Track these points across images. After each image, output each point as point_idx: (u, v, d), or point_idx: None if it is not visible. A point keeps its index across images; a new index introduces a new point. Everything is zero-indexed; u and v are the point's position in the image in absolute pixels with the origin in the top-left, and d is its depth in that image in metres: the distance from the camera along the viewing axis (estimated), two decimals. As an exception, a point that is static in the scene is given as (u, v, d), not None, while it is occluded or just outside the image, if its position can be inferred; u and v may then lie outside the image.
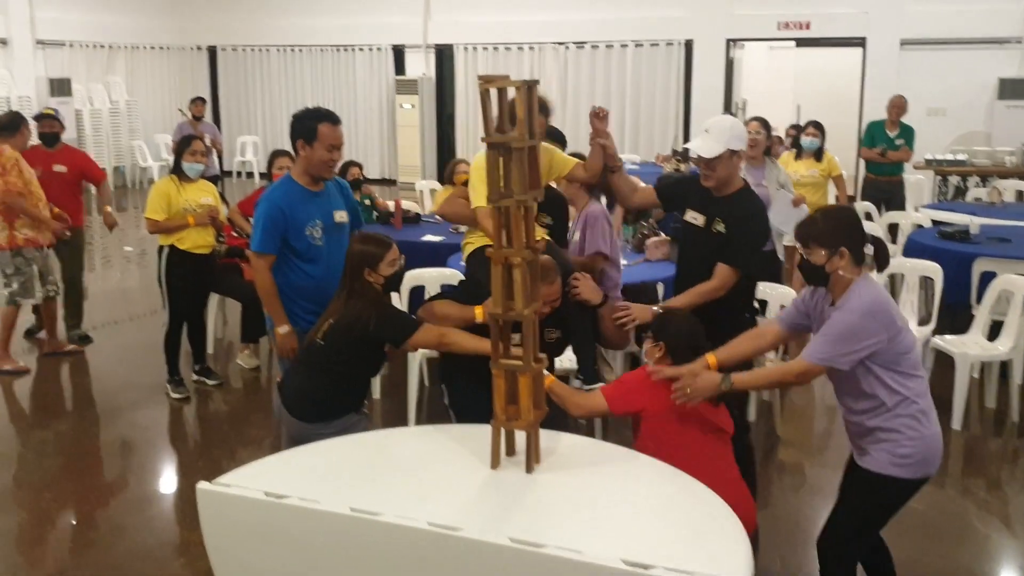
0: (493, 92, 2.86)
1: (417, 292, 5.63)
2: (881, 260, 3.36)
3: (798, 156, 8.30)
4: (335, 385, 3.74)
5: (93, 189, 7.71)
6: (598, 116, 4.06)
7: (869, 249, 3.26)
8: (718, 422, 3.44)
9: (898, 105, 9.89)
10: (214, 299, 6.96)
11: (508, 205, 2.89)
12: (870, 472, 3.22)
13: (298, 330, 4.16)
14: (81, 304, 7.48)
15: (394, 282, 3.82)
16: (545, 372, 3.31)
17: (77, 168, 7.42)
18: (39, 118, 7.43)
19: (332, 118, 4.17)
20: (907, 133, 9.81)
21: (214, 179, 10.52)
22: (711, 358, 3.37)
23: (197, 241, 6.10)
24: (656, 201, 4.35)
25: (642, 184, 4.49)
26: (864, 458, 3.25)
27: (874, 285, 3.15)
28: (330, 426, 3.69)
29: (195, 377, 6.48)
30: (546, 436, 3.10)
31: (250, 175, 17.81)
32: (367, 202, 7.62)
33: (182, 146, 6.17)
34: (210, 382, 6.45)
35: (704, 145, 3.95)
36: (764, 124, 6.62)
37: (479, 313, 3.57)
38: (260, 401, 6.24)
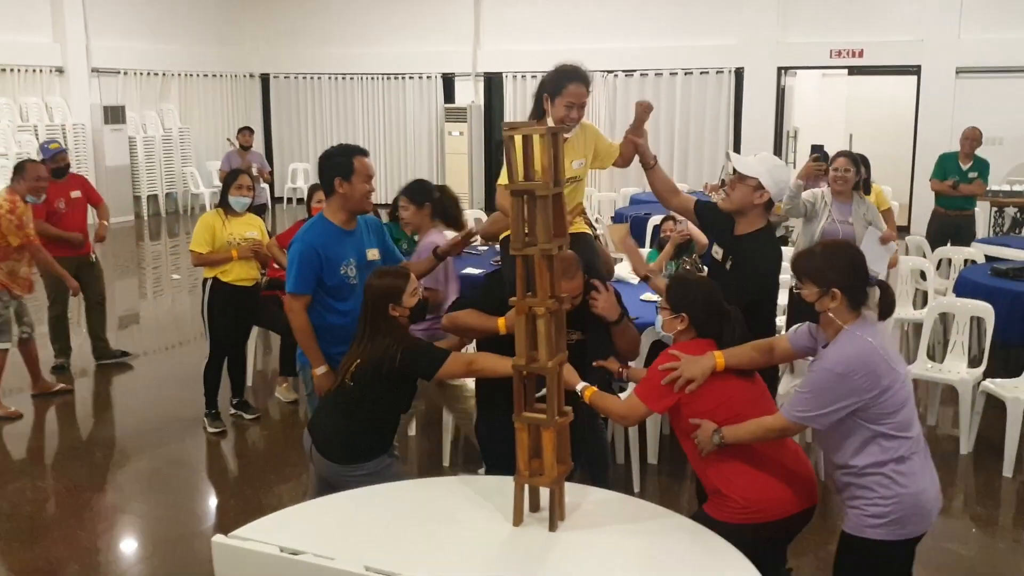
0: (518, 138, 2.81)
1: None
2: (885, 307, 3.12)
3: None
4: (366, 426, 3.69)
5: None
6: (645, 109, 4.15)
7: (874, 293, 3.09)
8: (758, 392, 3.30)
9: (972, 137, 9.59)
10: (254, 331, 6.97)
11: (531, 254, 2.83)
12: (845, 533, 3.07)
13: (335, 369, 4.09)
14: (105, 324, 7.82)
15: (417, 313, 3.75)
16: (582, 385, 3.26)
17: (87, 192, 7.73)
18: (48, 153, 7.56)
19: (363, 151, 4.23)
20: (981, 166, 9.54)
21: (261, 208, 10.69)
22: (720, 359, 3.20)
23: (240, 274, 6.12)
24: (692, 211, 4.16)
25: (684, 190, 4.41)
26: (845, 517, 3.09)
27: (860, 339, 2.93)
28: (361, 468, 3.65)
29: (232, 411, 6.48)
30: (572, 491, 3.02)
31: (300, 201, 17.96)
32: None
33: (229, 180, 6.22)
34: (247, 416, 6.44)
35: (744, 161, 3.84)
36: (852, 160, 6.36)
37: (502, 325, 3.54)
38: (296, 436, 6.19)
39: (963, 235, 9.31)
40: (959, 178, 9.41)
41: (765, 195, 3.80)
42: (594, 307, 3.66)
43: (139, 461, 5.87)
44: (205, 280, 6.16)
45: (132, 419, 6.63)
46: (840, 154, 6.53)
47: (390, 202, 6.38)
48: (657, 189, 4.21)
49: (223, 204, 6.19)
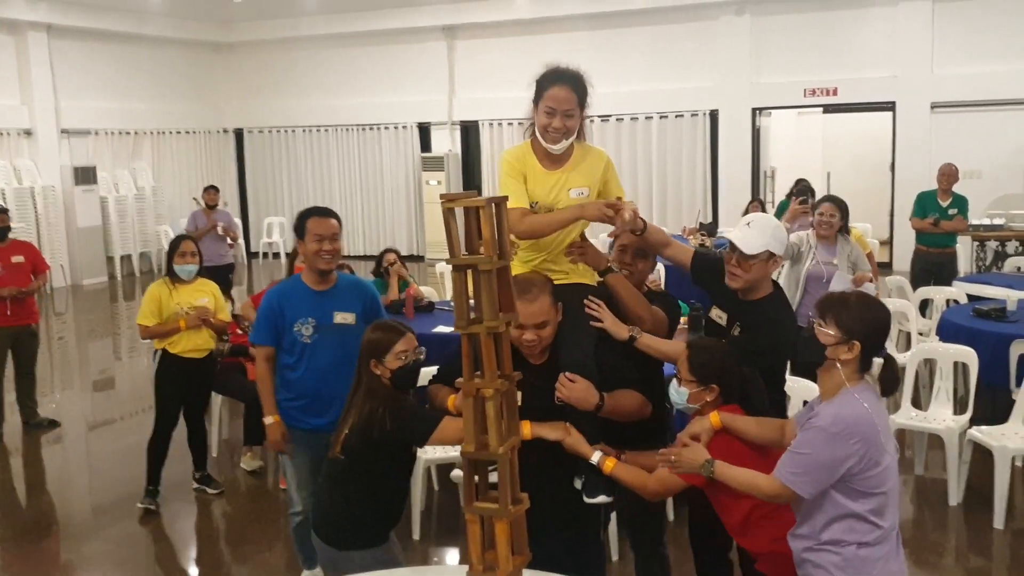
0: (458, 210, 2.64)
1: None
2: (888, 382, 2.89)
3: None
4: (364, 502, 3.41)
5: None
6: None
7: (877, 364, 2.89)
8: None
9: (948, 173, 9.51)
10: (217, 399, 6.76)
11: (478, 332, 2.65)
12: None
13: (289, 427, 4.35)
14: (35, 391, 7.74)
15: (405, 381, 3.46)
16: (598, 455, 3.03)
17: (31, 258, 7.61)
18: None
19: (321, 212, 4.35)
20: (961, 203, 9.44)
21: (230, 268, 10.45)
22: (715, 418, 3.05)
23: (190, 345, 5.88)
24: (687, 264, 3.78)
25: (680, 244, 3.95)
26: None
27: (859, 404, 2.76)
28: (356, 556, 3.38)
29: (195, 485, 6.19)
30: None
31: (276, 255, 17.81)
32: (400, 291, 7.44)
33: (172, 247, 5.99)
34: (211, 491, 6.16)
35: (746, 239, 3.47)
36: (837, 205, 6.63)
37: (450, 404, 3.25)
38: (260, 510, 5.97)
39: (945, 273, 9.21)
40: (939, 215, 9.31)
41: (779, 260, 3.60)
42: (560, 395, 3.10)
43: (95, 541, 5.59)
44: (156, 351, 5.95)
45: (72, 495, 6.41)
46: (825, 199, 6.81)
47: (371, 254, 6.22)
48: (650, 243, 3.73)
49: (169, 273, 5.96)
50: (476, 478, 2.75)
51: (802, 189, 9.38)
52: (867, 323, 2.79)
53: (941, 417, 5.83)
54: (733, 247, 3.51)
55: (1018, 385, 5.91)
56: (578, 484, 3.18)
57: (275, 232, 17.87)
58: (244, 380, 6.28)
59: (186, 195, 17.63)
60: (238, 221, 13.16)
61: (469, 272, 2.65)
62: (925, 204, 9.45)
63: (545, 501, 3.03)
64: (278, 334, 4.30)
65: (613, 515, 4.59)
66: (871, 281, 6.56)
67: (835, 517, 2.78)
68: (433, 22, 16.74)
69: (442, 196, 2.61)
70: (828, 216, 6.52)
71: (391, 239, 17.69)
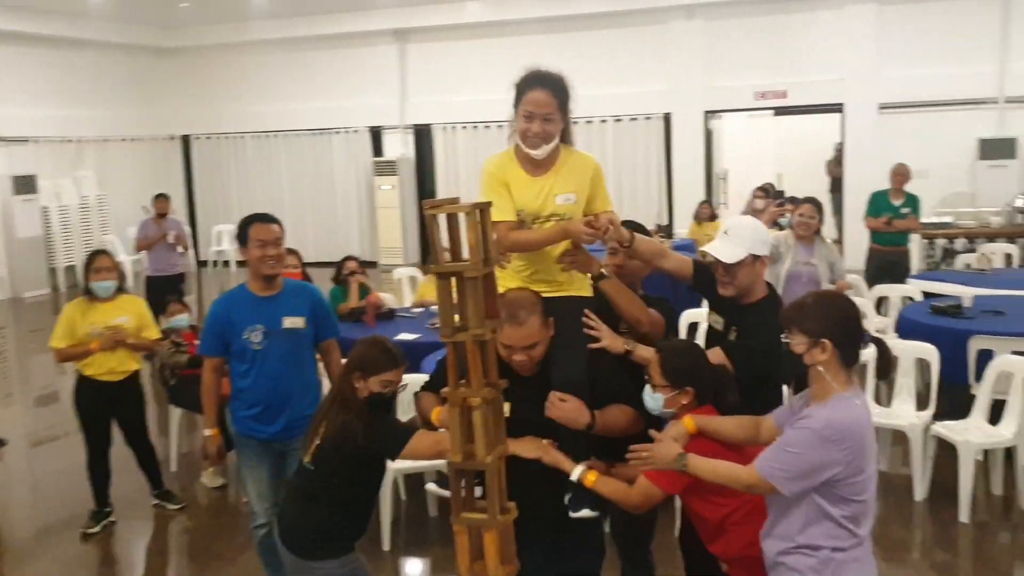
0: (441, 217, 2.59)
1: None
2: (884, 366, 2.91)
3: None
4: (333, 513, 3.35)
5: None
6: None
7: (869, 350, 2.87)
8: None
9: (900, 173, 9.62)
10: (175, 412, 6.61)
11: (464, 340, 2.60)
12: None
13: (245, 436, 4.34)
14: None
15: (380, 405, 3.40)
16: (580, 468, 2.98)
17: None
18: None
19: (262, 218, 4.34)
20: (913, 202, 9.56)
21: (181, 278, 10.24)
22: (689, 423, 3.02)
23: (103, 368, 5.58)
24: (690, 273, 3.69)
25: (677, 255, 3.85)
26: None
27: (856, 409, 2.73)
28: (322, 566, 3.34)
29: (154, 502, 6.02)
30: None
31: (226, 264, 17.53)
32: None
33: (87, 263, 5.65)
34: (171, 506, 6.00)
35: (724, 249, 3.44)
36: (817, 207, 6.83)
37: (435, 417, 3.17)
38: (224, 525, 5.84)
39: (899, 270, 9.32)
40: (892, 215, 9.43)
41: (766, 260, 3.56)
42: (550, 414, 3.06)
43: (42, 561, 5.40)
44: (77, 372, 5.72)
45: (48, 507, 6.23)
46: (806, 200, 6.98)
47: (323, 261, 6.12)
48: (643, 256, 3.63)
49: (87, 291, 5.62)
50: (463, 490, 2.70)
51: (778, 192, 9.57)
52: (829, 318, 2.74)
53: (904, 413, 5.88)
54: (716, 260, 3.49)
55: (977, 380, 5.99)
56: (567, 499, 3.11)
57: (224, 240, 17.56)
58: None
59: (133, 203, 17.24)
60: (188, 229, 12.93)
61: (453, 279, 2.60)
62: (878, 204, 9.56)
63: (538, 516, 3.00)
64: (226, 344, 4.29)
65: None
66: (850, 287, 6.70)
67: (813, 520, 2.75)
68: (384, 26, 16.61)
69: (425, 203, 2.56)
70: (808, 217, 6.72)
71: (343, 245, 17.46)
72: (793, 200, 8.69)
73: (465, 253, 2.63)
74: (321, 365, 4.57)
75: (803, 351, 2.75)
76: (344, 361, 3.49)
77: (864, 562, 2.79)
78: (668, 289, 4.23)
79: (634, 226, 3.77)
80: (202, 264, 18.09)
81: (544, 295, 3.16)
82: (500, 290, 3.06)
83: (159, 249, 10.10)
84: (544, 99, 3.16)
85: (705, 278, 3.65)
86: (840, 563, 2.74)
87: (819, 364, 2.73)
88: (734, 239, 3.48)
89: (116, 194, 17.21)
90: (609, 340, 3.26)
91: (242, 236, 4.30)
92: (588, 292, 3.33)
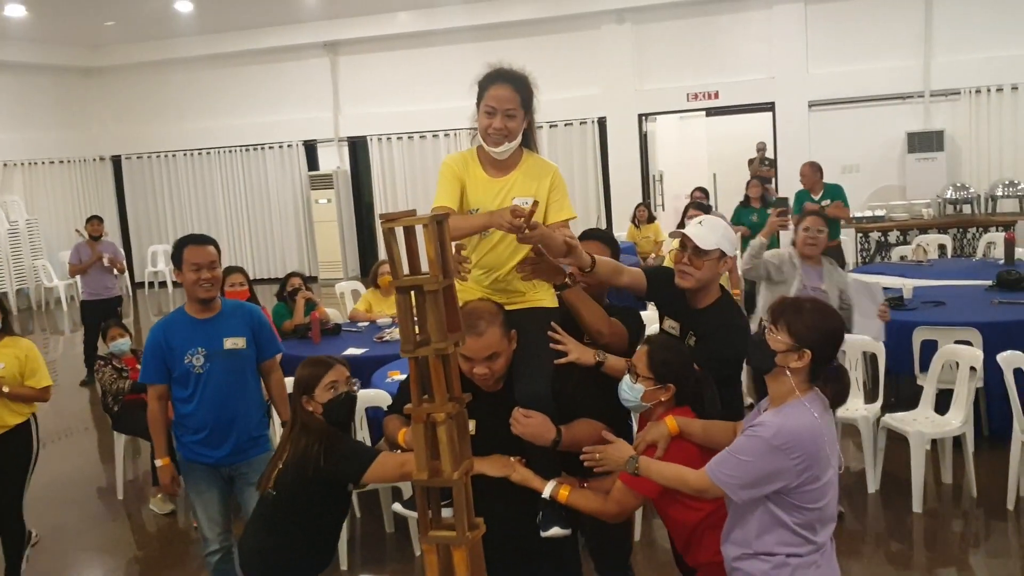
0: (399, 230, 2.53)
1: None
2: (838, 394, 2.77)
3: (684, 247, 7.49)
4: (295, 541, 3.28)
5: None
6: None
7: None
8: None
9: (804, 175, 9.84)
10: (120, 439, 6.43)
11: (426, 355, 2.55)
12: None
13: (191, 462, 4.24)
14: None
15: (337, 414, 3.37)
16: (552, 484, 2.92)
17: None
18: None
19: (197, 239, 4.25)
20: (832, 192, 9.71)
21: (118, 301, 10.02)
22: (672, 423, 2.97)
23: None
24: (644, 285, 3.57)
25: (631, 269, 3.71)
26: None
27: (808, 415, 2.66)
28: None
29: None
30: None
31: (163, 284, 17.21)
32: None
33: None
34: None
35: (700, 234, 3.40)
36: (824, 220, 5.82)
37: (401, 438, 3.08)
38: (176, 553, 5.69)
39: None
40: (748, 224, 9.62)
41: (729, 261, 3.51)
42: (515, 430, 2.96)
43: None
44: None
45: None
46: (809, 212, 5.95)
47: (262, 278, 5.97)
48: (602, 280, 3.44)
49: None
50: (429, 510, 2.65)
51: (780, 201, 8.36)
52: (820, 332, 2.68)
53: (854, 407, 5.95)
54: (684, 244, 3.46)
55: (923, 371, 6.10)
56: (538, 519, 3.03)
57: (160, 261, 17.22)
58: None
59: (63, 227, 16.90)
60: (122, 252, 12.66)
61: (412, 293, 2.55)
62: (802, 202, 9.74)
63: (508, 538, 2.96)
64: (167, 370, 4.20)
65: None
66: (888, 316, 5.87)
67: (768, 527, 2.73)
68: (314, 39, 16.46)
69: (382, 216, 2.50)
70: (815, 231, 5.64)
71: (281, 261, 17.32)
72: (780, 203, 8.01)
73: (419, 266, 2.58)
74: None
75: (781, 350, 2.69)
76: (293, 394, 3.45)
77: (823, 567, 2.75)
78: (631, 298, 4.18)
79: (598, 235, 3.77)
80: (138, 286, 17.74)
81: (507, 307, 3.09)
82: (460, 302, 3.01)
83: (94, 272, 9.87)
84: (506, 95, 3.08)
85: (659, 284, 3.60)
86: (796, 568, 2.71)
87: (790, 368, 2.69)
88: (708, 228, 3.46)
89: (46, 218, 16.85)
90: (578, 353, 3.17)
91: (176, 258, 4.22)
92: (552, 303, 3.22)
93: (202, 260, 4.14)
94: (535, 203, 2.87)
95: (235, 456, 4.23)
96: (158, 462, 4.31)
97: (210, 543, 4.31)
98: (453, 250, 3.02)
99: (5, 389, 4.78)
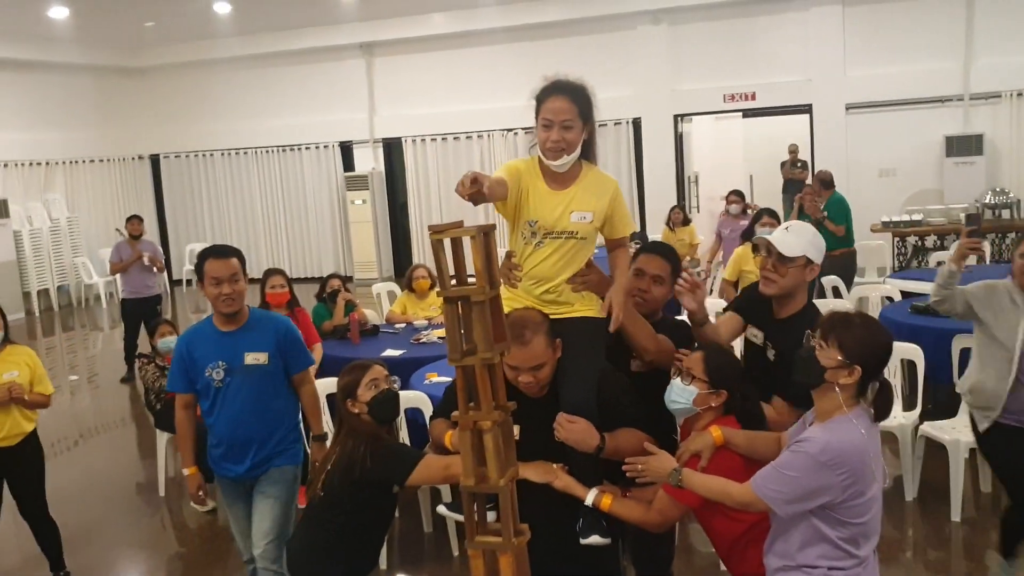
0: (447, 242, 2.58)
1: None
2: (882, 409, 2.78)
3: (755, 250, 6.80)
4: (341, 543, 3.34)
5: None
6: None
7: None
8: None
9: (805, 193, 9.89)
10: (163, 437, 6.54)
11: (472, 364, 2.59)
12: None
13: (218, 475, 4.25)
14: None
15: (382, 410, 3.42)
16: (595, 491, 2.95)
17: None
18: None
19: (217, 252, 4.13)
20: (831, 206, 9.67)
21: (157, 299, 10.16)
22: (717, 433, 2.96)
23: None
24: (741, 323, 3.58)
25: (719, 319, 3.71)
26: None
27: (855, 432, 2.66)
28: None
29: None
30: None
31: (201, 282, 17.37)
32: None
33: None
34: None
35: (785, 241, 3.35)
36: None
37: (448, 441, 3.11)
38: (219, 550, 5.78)
39: (847, 275, 9.36)
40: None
41: (816, 269, 3.45)
42: (558, 436, 2.98)
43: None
44: None
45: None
46: None
47: (297, 277, 5.97)
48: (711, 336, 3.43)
49: None
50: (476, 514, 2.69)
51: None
52: (871, 348, 2.70)
53: (893, 414, 5.92)
54: (770, 250, 3.42)
55: (960, 379, 6.05)
56: (578, 526, 3.05)
57: (197, 259, 17.42)
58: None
59: (103, 225, 17.15)
60: (161, 250, 12.84)
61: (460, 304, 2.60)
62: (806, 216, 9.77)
63: (550, 545, 2.98)
64: (191, 380, 4.15)
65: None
66: None
67: (811, 541, 2.74)
68: (351, 40, 16.58)
69: (431, 227, 2.54)
70: None
71: (317, 261, 17.47)
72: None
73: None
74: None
75: (831, 366, 2.70)
76: (337, 402, 3.50)
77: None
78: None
79: (660, 250, 3.70)
80: (176, 284, 17.96)
81: (553, 316, 3.11)
82: (507, 310, 3.04)
83: (134, 271, 10.02)
84: (562, 106, 3.02)
85: (747, 304, 3.61)
86: None
87: (839, 384, 2.70)
88: (794, 236, 3.42)
89: (86, 216, 17.13)
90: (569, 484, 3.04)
91: (198, 271, 4.11)
92: (599, 313, 3.20)
93: (222, 274, 4.01)
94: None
95: (255, 471, 4.17)
96: (185, 471, 4.28)
97: (243, 553, 4.34)
98: (504, 258, 3.08)
99: (26, 397, 4.89)
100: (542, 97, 3.09)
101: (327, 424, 5.53)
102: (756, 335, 3.54)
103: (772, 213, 7.20)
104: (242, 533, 4.29)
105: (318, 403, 4.38)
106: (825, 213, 9.53)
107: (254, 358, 4.10)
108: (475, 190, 2.57)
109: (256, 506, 4.16)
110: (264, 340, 4.14)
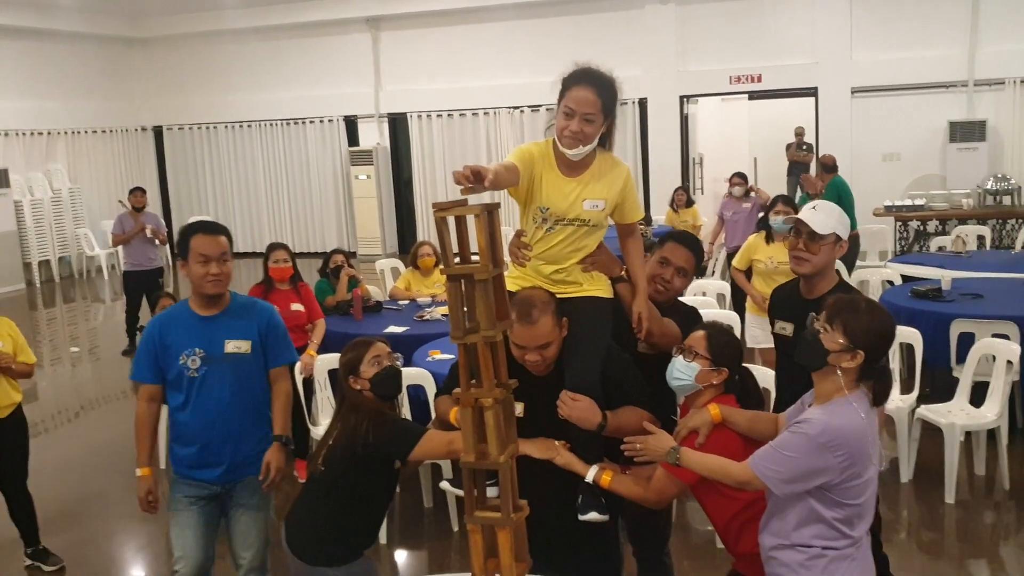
0: (451, 219, 2.60)
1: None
2: (879, 394, 2.82)
3: (769, 239, 6.84)
4: (341, 517, 3.35)
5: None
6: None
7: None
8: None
9: (806, 182, 10.09)
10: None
11: (475, 342, 2.62)
12: None
13: (179, 477, 3.83)
14: None
15: (385, 386, 3.39)
16: (595, 468, 2.98)
17: None
18: None
19: (207, 228, 3.75)
20: (829, 190, 9.72)
21: (160, 272, 10.18)
22: (715, 411, 3.01)
23: None
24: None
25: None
26: None
27: (855, 414, 2.69)
28: (332, 572, 3.32)
29: (27, 562, 5.20)
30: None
31: (203, 255, 17.41)
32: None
33: None
34: (47, 568, 5.17)
35: (815, 218, 3.42)
36: None
37: (452, 416, 3.12)
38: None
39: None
40: None
41: (845, 246, 3.52)
42: (562, 413, 3.00)
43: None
44: None
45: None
46: None
47: (300, 252, 5.93)
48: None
49: None
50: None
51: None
52: (875, 334, 2.71)
53: (891, 396, 5.96)
54: (799, 230, 3.47)
55: (959, 363, 6.10)
56: (577, 503, 3.08)
57: (200, 231, 17.42)
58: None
59: (105, 196, 17.17)
60: (164, 223, 12.86)
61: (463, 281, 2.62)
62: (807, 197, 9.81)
63: (549, 521, 3.02)
64: (160, 369, 3.73)
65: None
66: None
67: (806, 520, 2.78)
68: (357, 13, 16.52)
69: (435, 205, 2.56)
70: None
71: (320, 236, 17.48)
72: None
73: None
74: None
75: (835, 349, 2.71)
76: (339, 379, 3.47)
77: (858, 560, 2.80)
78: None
79: (686, 241, 3.72)
80: (177, 256, 17.96)
81: (561, 295, 3.13)
82: (515, 289, 3.08)
83: (137, 243, 10.03)
84: (588, 97, 2.99)
85: (774, 300, 3.74)
86: (831, 560, 2.76)
87: (841, 368, 2.72)
88: (823, 214, 3.48)
89: (88, 187, 17.12)
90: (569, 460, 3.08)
91: (183, 247, 3.72)
92: (606, 293, 3.22)
93: (212, 252, 3.67)
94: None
95: (230, 475, 3.79)
96: (138, 471, 3.79)
97: (178, 563, 3.78)
98: (513, 236, 3.09)
99: (14, 366, 4.84)
100: (568, 83, 3.04)
101: (328, 400, 5.60)
102: (784, 327, 3.59)
103: (787, 200, 7.18)
104: (183, 547, 3.77)
105: (290, 405, 3.93)
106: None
107: (235, 346, 3.74)
108: (472, 185, 2.51)
109: (238, 520, 3.86)
110: (247, 327, 3.79)
